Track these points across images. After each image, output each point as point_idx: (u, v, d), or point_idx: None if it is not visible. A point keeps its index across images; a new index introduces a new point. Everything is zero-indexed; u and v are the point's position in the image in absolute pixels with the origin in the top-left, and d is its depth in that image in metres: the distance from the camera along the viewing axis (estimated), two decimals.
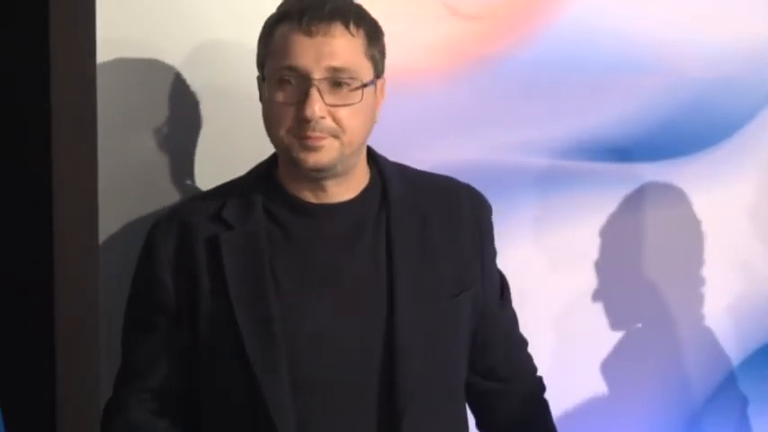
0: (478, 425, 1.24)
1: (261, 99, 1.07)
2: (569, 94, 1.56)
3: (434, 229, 1.13)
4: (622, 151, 1.60)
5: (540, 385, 1.25)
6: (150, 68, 1.31)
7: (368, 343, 1.09)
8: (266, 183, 1.10)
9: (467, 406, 1.23)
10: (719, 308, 1.67)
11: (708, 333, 1.69)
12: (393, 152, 1.19)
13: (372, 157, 1.13)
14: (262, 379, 1.04)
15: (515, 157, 1.54)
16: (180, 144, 1.24)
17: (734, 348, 1.65)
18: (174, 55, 1.29)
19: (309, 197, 1.06)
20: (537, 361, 1.27)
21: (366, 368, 1.09)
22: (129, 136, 1.21)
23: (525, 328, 1.29)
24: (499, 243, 1.24)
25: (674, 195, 1.66)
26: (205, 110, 1.27)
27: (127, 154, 1.19)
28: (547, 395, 1.26)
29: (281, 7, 1.07)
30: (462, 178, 1.30)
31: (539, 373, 1.23)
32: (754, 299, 1.69)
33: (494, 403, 1.23)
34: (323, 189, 1.05)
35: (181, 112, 1.27)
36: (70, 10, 1.36)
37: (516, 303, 1.27)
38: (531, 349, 1.29)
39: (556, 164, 1.57)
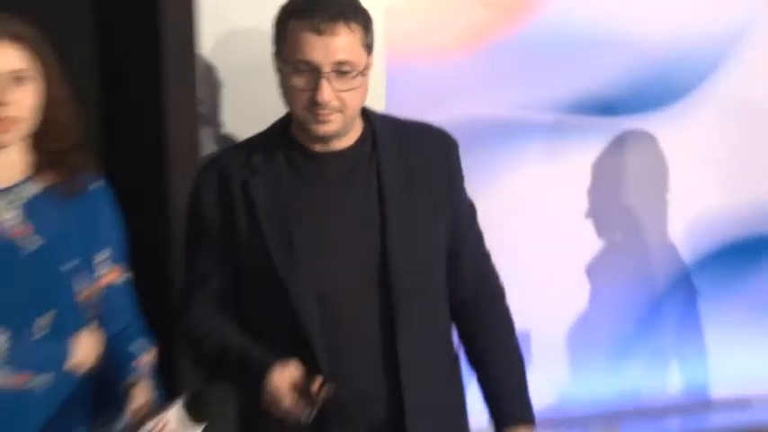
0: (460, 336, 1.48)
1: (278, 70, 1.34)
2: (563, 65, 1.97)
3: (414, 164, 1.38)
4: (607, 107, 2.03)
5: (501, 291, 1.49)
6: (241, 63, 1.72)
7: (366, 254, 1.34)
8: (283, 137, 1.37)
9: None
10: (679, 223, 2.10)
11: (669, 241, 2.13)
12: (428, 110, 1.60)
13: (364, 112, 1.37)
14: (291, 291, 1.30)
15: (521, 112, 1.98)
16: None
17: (688, 253, 2.08)
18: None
19: (317, 147, 1.32)
20: (538, 247, 1.84)
21: (367, 275, 1.34)
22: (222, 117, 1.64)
23: (530, 229, 1.85)
24: (510, 174, 1.75)
25: (647, 139, 2.08)
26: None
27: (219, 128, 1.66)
28: (537, 275, 1.77)
29: (290, 4, 1.32)
30: (479, 130, 1.81)
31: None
32: (706, 217, 2.11)
33: (468, 311, 1.46)
34: (326, 142, 1.32)
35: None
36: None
37: (525, 213, 1.82)
38: (537, 244, 1.85)
39: (553, 117, 1.99)
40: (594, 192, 2.07)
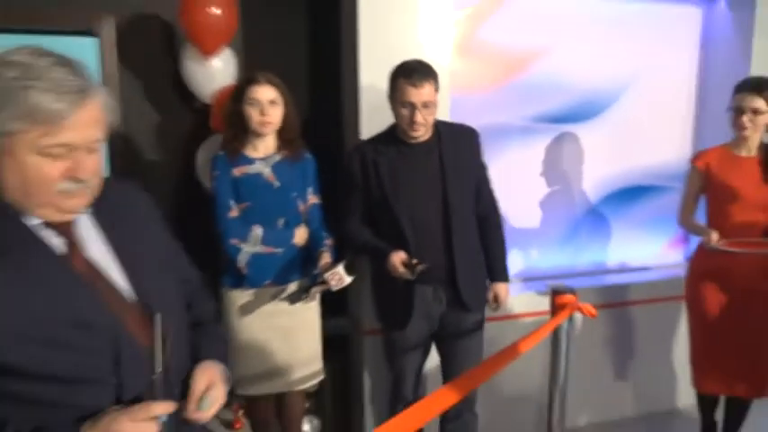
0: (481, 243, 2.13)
1: (391, 105, 2.00)
2: (540, 95, 2.89)
3: (459, 149, 2.04)
4: (557, 119, 2.96)
5: (498, 211, 2.17)
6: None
7: (435, 194, 2.00)
8: (393, 136, 2.05)
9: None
10: (591, 180, 3.07)
11: (586, 188, 3.04)
12: (469, 118, 2.36)
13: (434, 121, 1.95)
14: (396, 213, 2.01)
15: (518, 121, 2.90)
16: None
17: (597, 194, 3.09)
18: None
19: (411, 141, 2.01)
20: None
21: (436, 205, 2.01)
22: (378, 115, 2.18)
23: (517, 181, 2.75)
24: (515, 152, 2.69)
25: (576, 138, 3.01)
26: None
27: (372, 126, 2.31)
28: (520, 204, 2.72)
29: (399, 68, 1.96)
30: (497, 131, 2.73)
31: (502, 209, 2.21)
32: (604, 178, 3.09)
33: (482, 230, 2.13)
34: (416, 139, 2.02)
35: None
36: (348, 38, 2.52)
37: (517, 172, 2.71)
38: (520, 188, 2.77)
39: (531, 125, 2.92)
40: (549, 163, 3.03)
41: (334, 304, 2.78)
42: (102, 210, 1.03)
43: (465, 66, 2.77)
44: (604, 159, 3.10)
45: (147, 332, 0.99)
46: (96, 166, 0.95)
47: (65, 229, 0.97)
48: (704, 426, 2.68)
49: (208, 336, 1.16)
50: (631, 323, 3.09)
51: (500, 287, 2.16)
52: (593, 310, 1.94)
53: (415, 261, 1.95)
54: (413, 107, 1.94)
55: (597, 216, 3.17)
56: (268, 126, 2.07)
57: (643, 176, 3.19)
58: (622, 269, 3.22)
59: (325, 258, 2.05)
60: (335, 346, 2.76)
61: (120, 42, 2.68)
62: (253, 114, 2.05)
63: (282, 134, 2.12)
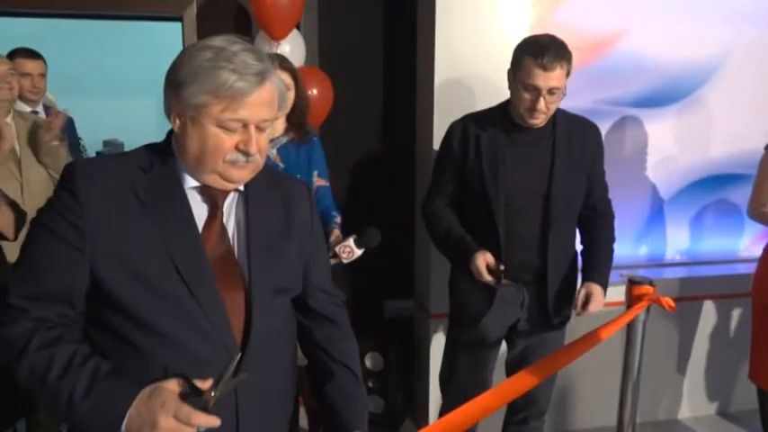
0: (582, 231, 1.97)
1: (510, 82, 1.82)
2: (617, 80, 2.81)
3: (574, 143, 1.89)
4: (638, 104, 2.86)
5: (611, 213, 1.99)
6: (465, 73, 2.41)
7: (539, 186, 1.85)
8: (502, 115, 1.89)
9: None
10: (674, 165, 2.98)
11: (666, 177, 2.96)
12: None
13: None
14: (491, 199, 1.84)
15: (598, 106, 2.82)
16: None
17: (676, 183, 2.99)
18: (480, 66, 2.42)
19: (523, 123, 1.84)
20: None
21: (537, 197, 1.85)
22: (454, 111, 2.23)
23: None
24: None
25: (657, 125, 2.91)
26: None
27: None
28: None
29: (527, 44, 1.76)
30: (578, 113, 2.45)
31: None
32: (687, 165, 2.98)
33: (589, 225, 1.95)
34: (532, 125, 1.83)
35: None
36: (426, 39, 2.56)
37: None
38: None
39: (613, 108, 2.85)
40: (629, 149, 2.92)
41: (397, 286, 2.87)
42: (254, 191, 1.13)
43: None
44: (689, 145, 2.99)
45: (240, 314, 1.06)
46: (263, 144, 1.06)
47: (215, 197, 1.08)
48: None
49: (351, 397, 1.19)
50: (711, 318, 3.00)
51: (595, 287, 1.86)
52: (672, 303, 1.87)
53: (502, 267, 1.81)
54: (537, 92, 1.75)
55: (679, 205, 3.06)
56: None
57: (731, 164, 3.05)
58: (704, 262, 3.11)
59: (336, 234, 2.05)
60: (399, 327, 2.80)
61: (199, 27, 2.80)
62: None
63: (291, 117, 2.12)
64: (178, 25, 2.86)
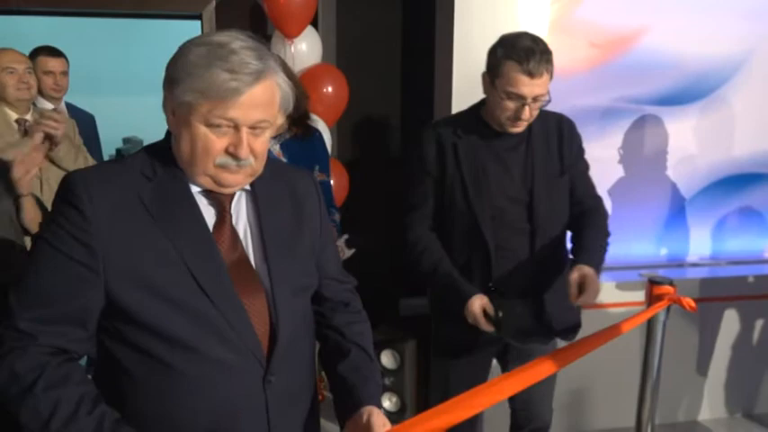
0: (570, 237, 1.82)
1: (485, 90, 1.67)
2: (638, 77, 2.76)
3: (551, 141, 1.75)
4: (659, 102, 2.81)
5: (602, 209, 1.83)
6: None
7: (521, 194, 1.73)
8: (477, 119, 1.73)
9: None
10: (692, 165, 2.94)
11: (681, 178, 2.92)
12: (565, 101, 2.22)
13: None
14: (476, 212, 1.70)
15: (616, 104, 2.82)
16: None
17: (697, 182, 2.95)
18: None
19: (499, 130, 1.70)
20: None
21: (522, 206, 1.73)
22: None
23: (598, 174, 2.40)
24: (610, 135, 2.62)
25: (679, 123, 2.87)
26: None
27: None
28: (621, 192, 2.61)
29: (508, 47, 1.58)
30: (592, 113, 2.63)
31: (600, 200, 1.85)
32: (707, 164, 2.94)
33: (577, 221, 1.80)
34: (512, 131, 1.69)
35: None
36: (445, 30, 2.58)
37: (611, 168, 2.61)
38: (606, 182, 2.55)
39: (634, 106, 2.82)
40: (650, 147, 2.89)
41: (413, 284, 2.79)
42: (261, 189, 1.09)
43: (562, 45, 2.63)
44: (711, 144, 2.94)
45: (266, 321, 1.04)
46: (259, 148, 1.01)
47: (220, 199, 1.04)
48: None
49: (366, 375, 1.15)
50: (733, 320, 2.95)
51: (586, 269, 1.66)
52: (693, 304, 1.84)
53: (500, 314, 1.65)
54: (522, 101, 1.60)
55: (701, 205, 3.02)
56: None
57: (754, 164, 3.00)
58: (726, 262, 3.06)
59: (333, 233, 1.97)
60: (415, 325, 2.78)
61: (218, 25, 2.83)
62: None
63: (293, 114, 2.07)
64: (197, 23, 2.89)
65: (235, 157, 0.98)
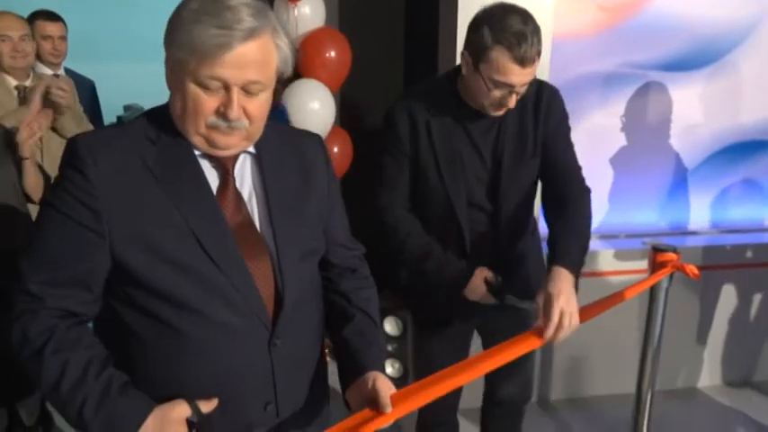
0: (548, 212, 1.68)
1: (465, 70, 1.50)
2: (647, 41, 2.72)
3: (526, 118, 1.60)
4: (668, 67, 2.78)
5: (585, 198, 1.61)
6: None
7: (490, 179, 1.65)
8: (451, 95, 1.59)
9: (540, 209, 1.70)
10: (697, 131, 2.91)
11: (686, 145, 2.90)
12: (570, 66, 2.49)
13: None
14: (450, 192, 1.62)
15: (622, 69, 2.76)
16: None
17: (705, 149, 2.95)
18: None
19: (475, 108, 1.57)
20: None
21: (486, 188, 1.65)
22: None
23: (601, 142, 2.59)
24: (616, 98, 2.57)
25: (688, 89, 2.84)
26: None
27: None
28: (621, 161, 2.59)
29: (496, 29, 1.41)
30: (597, 79, 2.60)
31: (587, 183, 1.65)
32: (712, 131, 2.92)
33: (555, 210, 1.64)
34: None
35: None
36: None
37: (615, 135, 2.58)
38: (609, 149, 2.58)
39: (641, 72, 2.78)
40: (657, 114, 2.85)
41: None
42: (267, 152, 1.08)
43: (569, 7, 2.64)
44: (720, 110, 2.90)
45: (270, 285, 1.04)
46: (255, 110, 0.98)
47: (223, 162, 1.03)
48: None
49: (370, 341, 1.14)
50: (735, 287, 2.96)
51: (561, 274, 1.44)
52: (696, 271, 1.84)
53: (499, 278, 1.61)
54: (510, 89, 1.48)
55: (706, 173, 3.00)
56: None
57: (761, 131, 2.98)
58: (729, 230, 3.05)
59: None
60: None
61: None
62: None
63: None
64: None
65: (225, 118, 0.96)
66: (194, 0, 0.94)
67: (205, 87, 0.94)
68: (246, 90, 0.96)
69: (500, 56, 1.42)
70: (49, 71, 2.67)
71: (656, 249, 1.89)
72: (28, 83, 2.35)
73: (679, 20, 2.75)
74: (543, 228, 1.76)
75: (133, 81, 5.71)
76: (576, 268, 1.48)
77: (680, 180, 3.00)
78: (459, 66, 1.58)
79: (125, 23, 5.88)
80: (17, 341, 0.96)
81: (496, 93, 1.48)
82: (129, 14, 5.96)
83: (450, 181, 1.62)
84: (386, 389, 1.02)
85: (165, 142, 1.01)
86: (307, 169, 1.13)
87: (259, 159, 1.08)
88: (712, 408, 2.92)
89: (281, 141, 1.10)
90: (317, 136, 1.22)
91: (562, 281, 1.40)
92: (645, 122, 2.86)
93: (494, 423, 2.03)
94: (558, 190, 1.65)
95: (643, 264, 2.45)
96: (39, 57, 2.54)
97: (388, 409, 1.01)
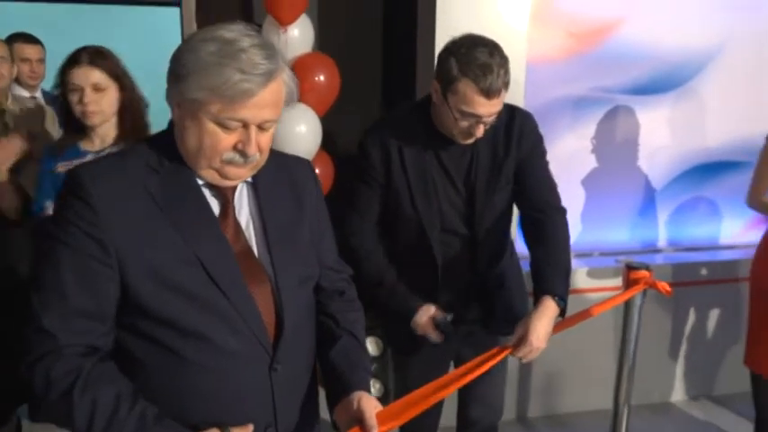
0: (527, 237, 1.70)
1: (436, 99, 1.53)
2: (615, 67, 2.81)
3: (498, 144, 1.62)
4: (636, 91, 2.87)
5: (562, 220, 1.65)
6: None
7: (465, 205, 1.66)
8: (424, 124, 1.61)
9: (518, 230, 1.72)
10: (670, 151, 3.00)
11: (654, 166, 2.98)
12: (542, 91, 2.58)
13: None
14: (423, 219, 1.63)
15: (592, 93, 2.85)
16: None
17: (669, 170, 3.02)
18: None
19: (446, 135, 1.59)
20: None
21: (463, 216, 1.66)
22: None
23: (573, 163, 2.66)
24: (587, 121, 2.67)
25: (654, 112, 2.93)
26: None
27: None
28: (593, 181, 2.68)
29: (463, 62, 1.44)
30: (568, 102, 2.68)
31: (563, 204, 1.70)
32: (683, 151, 3.01)
33: (532, 233, 1.68)
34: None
35: None
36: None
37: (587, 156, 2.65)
38: (581, 171, 2.66)
39: (609, 95, 2.86)
40: (626, 136, 2.94)
41: None
42: (262, 180, 1.10)
43: (541, 35, 2.73)
44: (685, 133, 3.01)
45: (272, 310, 1.06)
46: (265, 144, 1.02)
47: (224, 191, 1.05)
48: (760, 419, 2.48)
49: (355, 362, 1.17)
50: (704, 303, 3.04)
51: (547, 308, 1.53)
52: (668, 288, 1.91)
53: (449, 318, 1.62)
54: (477, 120, 1.50)
55: (673, 192, 3.10)
56: (92, 116, 1.79)
57: (725, 152, 3.08)
58: (698, 247, 3.15)
59: None
60: None
61: (198, 12, 2.78)
62: (73, 101, 1.78)
63: (124, 122, 1.86)
64: (176, 10, 2.85)
65: (243, 154, 0.99)
66: (209, 42, 0.96)
67: (224, 126, 0.97)
68: (261, 127, 1.00)
69: (466, 88, 1.44)
70: (26, 93, 2.67)
71: (630, 267, 1.95)
72: (9, 104, 2.33)
73: (646, 46, 2.85)
74: (521, 247, 1.79)
75: None
76: (564, 297, 1.56)
77: (649, 200, 3.09)
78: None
79: (100, 44, 5.86)
80: (41, 385, 0.95)
81: (464, 123, 1.50)
82: (102, 39, 5.92)
83: (423, 209, 1.63)
84: (371, 408, 1.04)
85: (167, 170, 1.02)
86: (298, 195, 1.16)
87: (255, 187, 1.11)
88: (683, 421, 2.98)
89: (274, 168, 1.12)
90: (306, 161, 1.25)
91: (546, 315, 1.51)
92: (614, 144, 2.96)
93: None
94: (534, 214, 1.68)
95: (616, 281, 2.54)
96: (17, 79, 2.53)
97: (374, 430, 1.03)
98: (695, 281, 2.98)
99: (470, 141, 1.56)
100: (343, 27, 2.94)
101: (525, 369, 2.86)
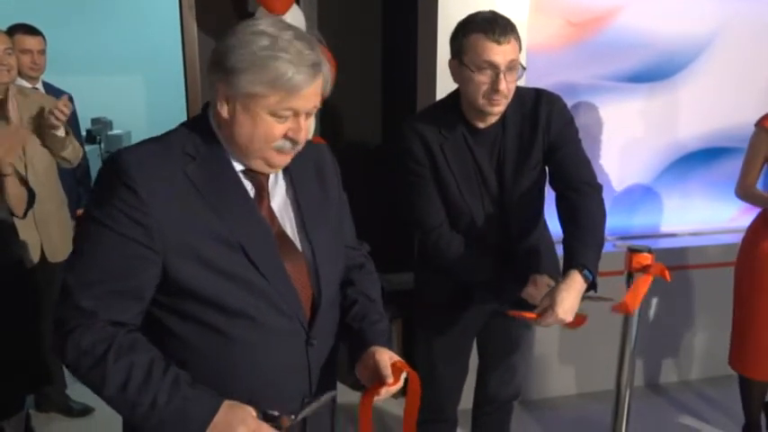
0: (562, 218, 1.69)
1: (455, 73, 1.58)
2: (614, 55, 2.84)
3: (525, 129, 1.66)
4: (633, 78, 2.90)
5: (597, 197, 1.69)
6: None
7: (494, 187, 1.71)
8: (457, 114, 1.65)
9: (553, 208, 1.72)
10: (670, 134, 3.02)
11: (663, 145, 3.01)
12: (544, 78, 2.51)
13: None
14: (469, 203, 1.70)
15: (593, 80, 2.88)
16: None
17: (674, 152, 3.05)
18: None
19: (479, 124, 1.64)
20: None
21: (493, 197, 1.71)
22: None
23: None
24: (586, 112, 2.68)
25: (651, 99, 2.95)
26: None
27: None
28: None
29: (468, 24, 1.54)
30: (569, 89, 2.66)
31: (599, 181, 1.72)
32: (684, 134, 3.03)
33: (566, 211, 1.69)
34: (486, 120, 1.62)
35: None
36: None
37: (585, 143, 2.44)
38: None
39: (609, 83, 2.89)
40: (623, 123, 2.96)
41: (398, 259, 2.90)
42: (294, 166, 1.14)
43: (541, 24, 2.73)
44: (682, 119, 3.03)
45: (307, 288, 1.11)
46: (309, 130, 1.07)
47: (260, 177, 1.10)
48: (749, 423, 2.49)
49: (372, 321, 1.21)
50: (700, 287, 3.07)
51: (574, 282, 1.53)
52: (667, 274, 1.94)
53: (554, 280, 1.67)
54: (496, 70, 1.51)
55: (670, 178, 3.12)
56: None
57: (721, 138, 3.10)
58: (695, 233, 3.18)
59: None
60: (399, 300, 2.83)
61: (196, 2, 2.77)
62: None
63: None
64: (174, 0, 2.83)
65: (293, 141, 1.04)
66: (261, 36, 0.98)
67: (278, 116, 1.01)
68: (308, 114, 1.04)
69: (476, 40, 1.50)
70: (27, 84, 2.64)
71: (632, 250, 1.97)
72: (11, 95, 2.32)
73: (644, 34, 2.86)
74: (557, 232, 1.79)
75: (100, 94, 5.69)
76: (592, 272, 1.56)
77: (646, 185, 3.12)
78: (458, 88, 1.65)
79: (93, 37, 5.86)
80: (73, 355, 0.98)
81: (483, 78, 1.51)
82: (98, 29, 5.93)
83: (469, 197, 1.69)
84: (385, 359, 1.09)
85: (203, 157, 1.04)
86: (323, 178, 1.21)
87: (287, 172, 1.15)
88: (684, 402, 3.01)
89: (301, 153, 1.14)
90: (324, 145, 1.29)
91: (574, 288, 1.52)
92: (612, 130, 2.96)
93: (485, 419, 2.09)
94: (568, 194, 1.68)
95: (615, 265, 2.54)
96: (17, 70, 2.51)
97: (389, 380, 1.07)
98: (697, 264, 3.00)
99: (499, 108, 1.56)
100: (342, 19, 2.91)
101: (527, 353, 2.84)
